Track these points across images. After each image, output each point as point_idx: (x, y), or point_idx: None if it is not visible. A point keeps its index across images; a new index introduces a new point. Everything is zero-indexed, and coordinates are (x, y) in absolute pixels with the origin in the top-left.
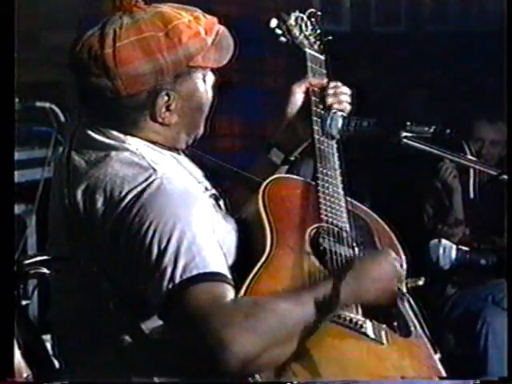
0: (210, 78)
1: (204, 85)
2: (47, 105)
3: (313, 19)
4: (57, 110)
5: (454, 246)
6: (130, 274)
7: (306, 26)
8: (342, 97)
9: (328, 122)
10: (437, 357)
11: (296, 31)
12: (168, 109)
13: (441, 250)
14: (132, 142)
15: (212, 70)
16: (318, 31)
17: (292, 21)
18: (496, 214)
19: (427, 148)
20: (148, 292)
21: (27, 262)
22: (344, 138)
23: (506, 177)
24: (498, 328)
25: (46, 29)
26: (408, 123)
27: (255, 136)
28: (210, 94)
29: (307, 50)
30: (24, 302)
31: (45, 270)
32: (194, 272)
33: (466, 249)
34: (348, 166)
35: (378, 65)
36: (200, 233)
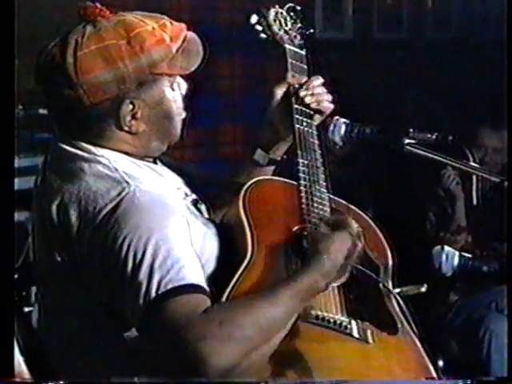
0: (180, 85)
1: (172, 92)
2: None
3: (292, 13)
4: None
5: (457, 253)
6: (108, 289)
7: (286, 20)
8: (320, 96)
9: (331, 128)
10: (440, 363)
11: (275, 27)
12: (134, 117)
13: (443, 257)
14: (104, 154)
15: (182, 76)
16: (298, 25)
17: (272, 16)
18: (498, 221)
19: (430, 155)
20: (125, 307)
21: (30, 268)
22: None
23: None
24: (501, 335)
25: (49, 36)
26: (411, 130)
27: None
28: (179, 102)
29: (287, 46)
30: (26, 309)
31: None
32: (169, 286)
33: (469, 256)
34: (350, 174)
35: (380, 71)
36: (175, 245)
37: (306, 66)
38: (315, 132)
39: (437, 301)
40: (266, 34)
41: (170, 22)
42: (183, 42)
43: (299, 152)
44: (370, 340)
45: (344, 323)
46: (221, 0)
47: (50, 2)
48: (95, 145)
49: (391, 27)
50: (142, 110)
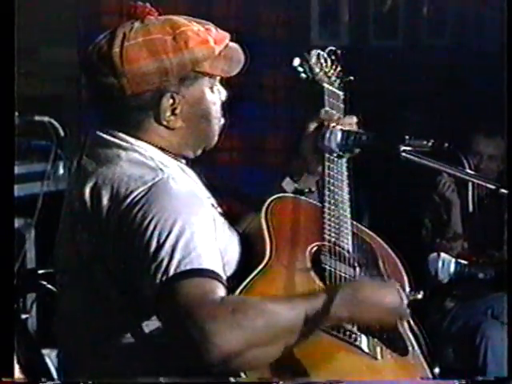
0: (220, 90)
1: (212, 94)
2: (46, 119)
3: (333, 57)
4: (56, 124)
5: (453, 260)
6: (131, 271)
7: (326, 62)
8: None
9: (327, 136)
10: (436, 370)
11: (317, 69)
12: (173, 112)
13: (440, 264)
14: (141, 145)
15: (222, 83)
16: (338, 69)
17: (314, 59)
18: (494, 228)
19: (426, 162)
20: (143, 283)
21: (29, 275)
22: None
23: (505, 191)
24: (497, 342)
25: (46, 43)
26: (407, 137)
27: (254, 150)
28: (217, 106)
29: (325, 85)
30: (23, 316)
31: (44, 283)
32: (188, 267)
33: (465, 262)
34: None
35: (376, 78)
36: (199, 232)
37: (342, 105)
38: (345, 165)
39: (433, 308)
40: (306, 74)
41: (215, 28)
42: (226, 47)
43: (326, 177)
44: (379, 356)
45: (354, 335)
46: (264, 14)
47: (49, 10)
48: (132, 136)
49: (387, 34)
50: (182, 107)
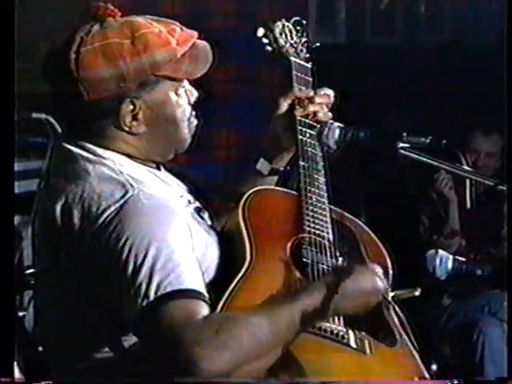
0: (188, 91)
1: (176, 97)
2: (43, 116)
3: (298, 27)
4: (53, 121)
5: (451, 257)
6: (107, 291)
7: (292, 34)
8: (323, 106)
9: (325, 132)
10: (433, 367)
11: (282, 40)
12: (135, 118)
13: (437, 261)
14: (109, 156)
15: (194, 84)
16: (304, 39)
17: (278, 29)
18: (492, 225)
19: (424, 159)
20: (123, 308)
21: (23, 272)
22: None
23: (503, 187)
24: (495, 338)
25: (44, 40)
26: (405, 134)
27: (251, 147)
28: (185, 108)
29: (292, 59)
30: (20, 314)
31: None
32: (168, 289)
33: (463, 259)
34: (344, 177)
35: (373, 76)
36: (177, 249)
37: (311, 79)
38: (318, 143)
39: (430, 305)
40: (272, 46)
41: (181, 28)
42: (191, 47)
43: (301, 162)
44: (368, 350)
45: (341, 333)
46: (214, 4)
47: (49, 8)
48: (99, 146)
49: (384, 31)
50: (144, 112)
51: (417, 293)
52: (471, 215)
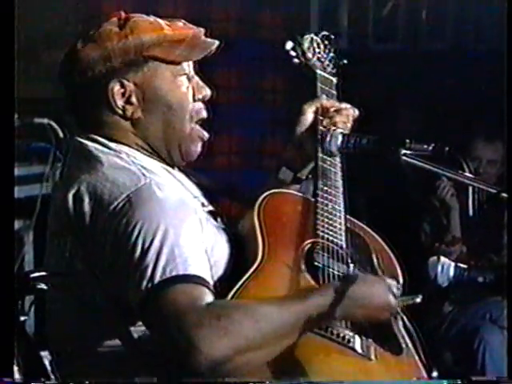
0: (195, 84)
1: (174, 82)
2: (45, 121)
3: (326, 41)
4: (55, 125)
5: (453, 264)
6: (116, 276)
7: (320, 48)
8: (349, 118)
9: (328, 139)
10: (434, 374)
11: (309, 54)
12: (128, 101)
13: (439, 268)
14: (122, 149)
15: (203, 81)
16: (332, 54)
17: (307, 43)
18: (493, 232)
19: (426, 165)
20: (128, 291)
21: (25, 277)
22: (344, 155)
23: (505, 195)
24: (496, 346)
25: (46, 45)
26: (407, 141)
27: (253, 153)
28: (185, 96)
29: (318, 72)
30: (22, 318)
31: (43, 286)
32: (174, 273)
33: (465, 266)
34: (346, 183)
35: (375, 82)
36: (184, 235)
37: (335, 92)
38: (338, 158)
39: (431, 311)
40: (299, 59)
41: (184, 23)
42: (192, 37)
43: (320, 171)
44: (373, 357)
45: (348, 337)
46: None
47: (49, 12)
48: (108, 138)
49: (386, 38)
50: (136, 94)
51: (418, 299)
52: (473, 222)
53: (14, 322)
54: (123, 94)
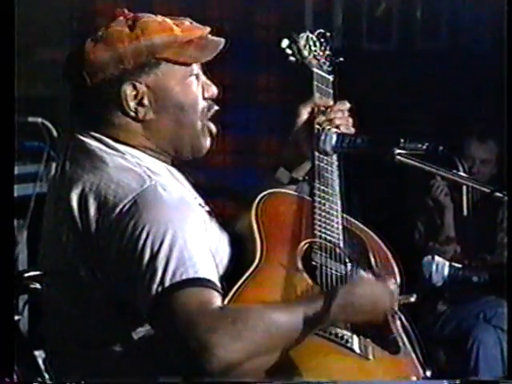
0: (204, 84)
1: (185, 83)
2: (39, 120)
3: (322, 39)
4: (49, 125)
5: (447, 263)
6: (121, 279)
7: (316, 46)
8: (343, 120)
9: (322, 138)
10: (428, 374)
11: (305, 51)
12: (140, 103)
13: (434, 267)
14: (126, 150)
15: (214, 83)
16: (328, 52)
17: (303, 41)
18: (487, 232)
19: (421, 165)
20: (137, 295)
21: (20, 276)
22: (339, 154)
23: (500, 194)
24: (489, 345)
25: (41, 44)
26: (401, 140)
27: (246, 152)
28: (196, 97)
29: (315, 70)
30: (16, 318)
31: (37, 285)
32: (184, 277)
33: (459, 266)
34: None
35: (369, 82)
36: (192, 239)
37: (331, 91)
38: (335, 157)
39: (426, 310)
40: (295, 57)
41: (191, 22)
42: (200, 38)
43: (317, 170)
44: (371, 356)
45: (346, 337)
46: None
47: (46, 11)
48: (114, 139)
49: (381, 37)
50: (148, 96)
51: (412, 299)
52: (467, 222)
53: (13, 322)
54: (135, 96)
